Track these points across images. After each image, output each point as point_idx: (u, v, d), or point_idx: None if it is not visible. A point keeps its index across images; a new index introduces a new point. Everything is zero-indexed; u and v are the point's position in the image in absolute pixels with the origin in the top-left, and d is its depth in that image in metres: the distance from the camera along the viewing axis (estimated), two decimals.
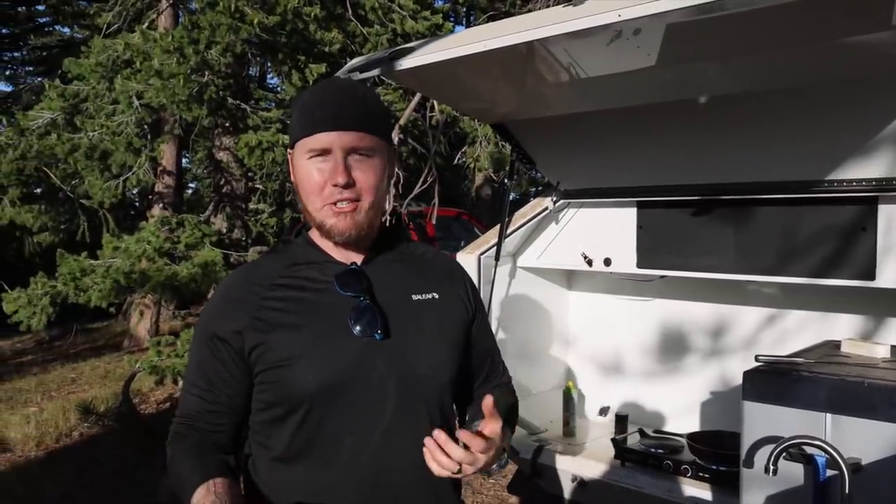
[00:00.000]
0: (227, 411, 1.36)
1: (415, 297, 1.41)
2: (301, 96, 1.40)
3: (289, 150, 1.39)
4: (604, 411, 3.52)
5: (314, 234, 1.41)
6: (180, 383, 6.45)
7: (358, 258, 1.39)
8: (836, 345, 2.23)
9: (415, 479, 1.35)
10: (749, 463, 1.91)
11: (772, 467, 1.60)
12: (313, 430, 1.30)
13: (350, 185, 1.30)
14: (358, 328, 1.31)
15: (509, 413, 1.54)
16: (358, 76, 2.35)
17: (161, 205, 9.25)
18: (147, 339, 9.37)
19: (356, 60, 2.51)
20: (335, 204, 1.31)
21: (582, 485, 2.99)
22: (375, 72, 2.35)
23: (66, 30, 14.86)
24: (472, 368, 1.54)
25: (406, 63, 2.28)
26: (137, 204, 13.18)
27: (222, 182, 8.01)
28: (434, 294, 1.44)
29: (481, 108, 3.12)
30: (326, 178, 1.30)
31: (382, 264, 1.40)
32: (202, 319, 1.40)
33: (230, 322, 1.32)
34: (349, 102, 1.32)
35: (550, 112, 2.87)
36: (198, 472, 1.26)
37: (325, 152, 1.30)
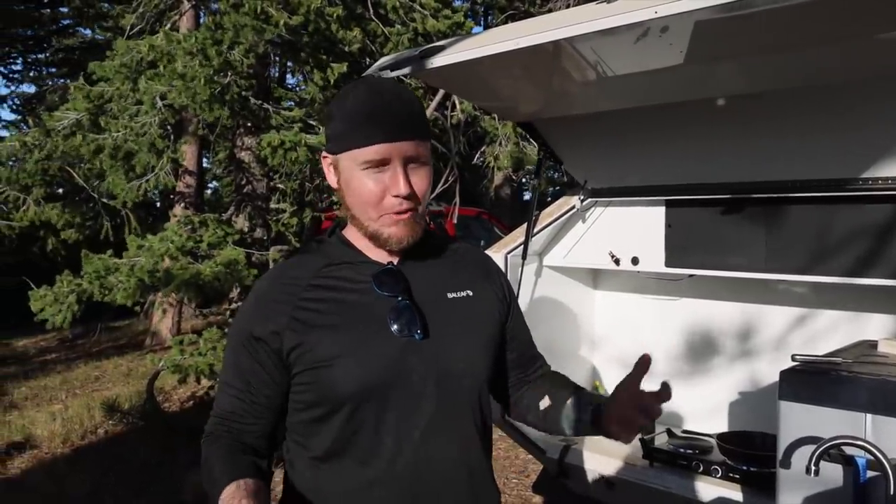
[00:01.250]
0: (264, 412, 1.36)
1: (450, 296, 1.41)
2: (342, 101, 1.34)
3: (325, 154, 1.37)
4: None
5: (349, 234, 1.41)
6: (203, 382, 6.51)
7: (394, 258, 1.39)
8: (872, 344, 2.20)
9: (454, 476, 1.36)
10: (786, 463, 1.89)
11: (813, 468, 1.58)
12: (354, 429, 1.31)
13: (412, 194, 1.29)
14: (398, 328, 1.31)
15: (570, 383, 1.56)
16: (389, 74, 2.35)
17: (182, 204, 9.34)
18: (169, 337, 9.46)
19: (386, 59, 2.51)
20: (393, 214, 1.30)
21: (609, 485, 2.97)
22: (406, 70, 2.35)
23: (88, 32, 15.04)
24: (509, 363, 1.55)
25: (437, 62, 2.28)
26: (158, 204, 13.30)
27: (244, 182, 8.06)
28: (469, 291, 1.44)
29: (509, 107, 3.11)
30: (385, 189, 1.29)
31: (418, 263, 1.40)
32: (238, 320, 1.40)
33: (268, 323, 1.32)
34: (401, 109, 1.30)
35: (578, 110, 2.86)
36: (228, 473, 1.26)
37: (383, 163, 1.28)
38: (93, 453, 5.55)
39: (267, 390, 1.35)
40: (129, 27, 8.06)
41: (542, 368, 1.63)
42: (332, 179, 1.36)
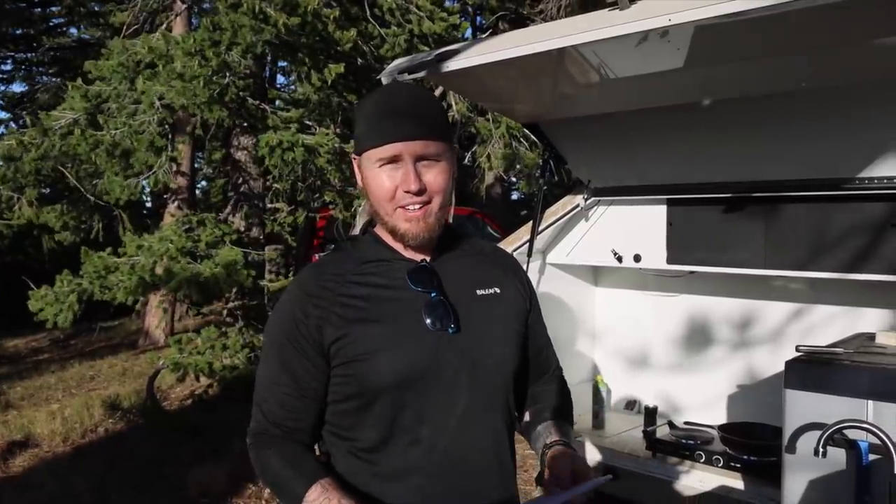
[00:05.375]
0: (312, 406, 1.42)
1: (479, 292, 1.48)
2: (363, 104, 1.43)
3: (354, 156, 1.45)
4: (631, 405, 3.60)
5: (381, 232, 1.47)
6: (202, 380, 6.56)
7: (426, 255, 1.46)
8: (870, 336, 2.30)
9: (486, 464, 1.44)
10: (791, 449, 1.98)
11: (821, 450, 1.68)
12: (391, 421, 1.36)
13: (422, 191, 1.36)
14: (432, 322, 1.38)
15: (566, 411, 1.65)
16: (405, 78, 2.42)
17: (176, 203, 9.34)
18: (162, 337, 9.48)
19: (401, 61, 2.58)
20: (405, 208, 1.37)
21: (614, 475, 3.06)
22: (422, 73, 2.42)
23: (75, 30, 14.98)
24: (528, 359, 1.62)
25: (452, 65, 2.35)
26: (149, 204, 13.28)
27: (240, 181, 8.09)
28: (496, 289, 1.51)
29: (516, 109, 3.19)
30: (397, 185, 1.36)
31: (449, 261, 1.47)
32: (277, 318, 1.44)
33: (310, 318, 1.37)
34: (413, 110, 1.37)
35: (583, 112, 2.94)
36: (303, 474, 1.35)
37: (394, 160, 1.36)
38: (94, 451, 5.57)
39: (315, 383, 1.40)
40: (123, 26, 8.05)
41: (554, 372, 1.70)
42: (359, 179, 1.44)
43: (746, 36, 2.13)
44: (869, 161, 2.50)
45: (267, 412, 1.43)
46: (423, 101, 1.41)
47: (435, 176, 1.38)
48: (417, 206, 1.37)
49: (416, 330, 1.37)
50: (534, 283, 3.35)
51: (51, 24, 15.15)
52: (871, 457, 1.80)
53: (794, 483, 2.00)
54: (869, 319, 2.83)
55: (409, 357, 1.36)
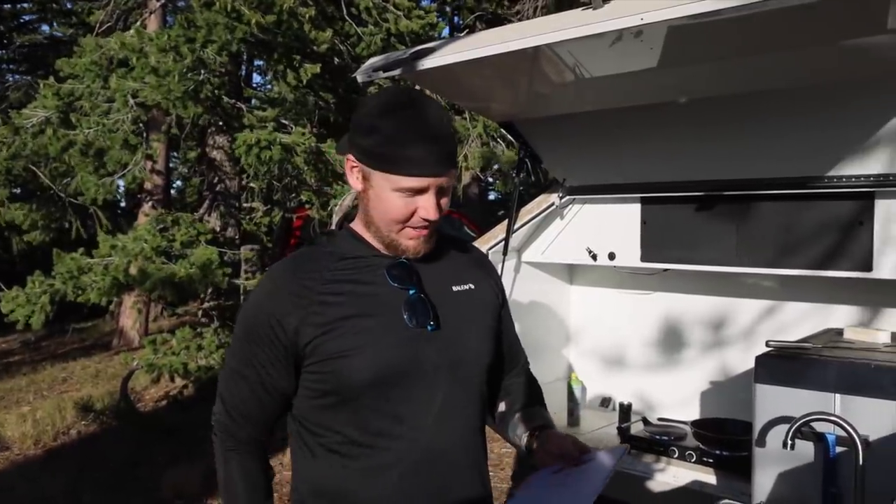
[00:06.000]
0: (279, 400, 1.43)
1: (455, 289, 1.50)
2: (386, 117, 1.34)
3: (353, 161, 1.39)
4: (606, 402, 3.63)
5: (358, 228, 1.46)
6: (177, 381, 6.50)
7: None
8: (838, 332, 2.35)
9: (464, 459, 1.46)
10: (761, 442, 2.01)
11: (790, 442, 1.71)
12: (370, 417, 1.37)
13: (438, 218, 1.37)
14: (412, 320, 1.38)
15: (541, 400, 1.69)
16: (380, 76, 2.43)
17: (151, 203, 9.25)
18: (136, 338, 9.38)
19: (376, 59, 2.58)
20: (414, 229, 1.38)
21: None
22: (397, 72, 2.42)
23: (47, 28, 14.78)
24: (501, 354, 1.64)
25: (427, 63, 2.36)
26: (123, 204, 13.14)
27: (216, 180, 8.03)
28: (471, 285, 1.53)
29: (491, 107, 3.20)
30: (414, 211, 1.35)
31: (425, 258, 1.46)
32: (251, 313, 1.43)
33: (285, 315, 1.36)
34: (445, 141, 1.35)
35: (558, 111, 2.97)
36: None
37: (420, 192, 1.34)
38: (66, 454, 5.51)
39: (280, 381, 1.41)
40: (97, 24, 7.96)
41: (523, 366, 1.73)
42: (354, 182, 1.41)
43: (718, 36, 2.16)
44: (838, 160, 2.54)
45: (229, 403, 1.46)
46: (449, 126, 1.39)
47: (445, 202, 1.39)
48: (424, 229, 1.39)
49: (395, 327, 1.38)
50: (509, 282, 3.41)
51: (21, 20, 14.94)
52: (838, 449, 1.84)
53: (764, 476, 2.03)
54: (838, 315, 2.88)
55: (388, 354, 1.37)
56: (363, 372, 1.35)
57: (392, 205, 1.35)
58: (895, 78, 2.29)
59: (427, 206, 1.35)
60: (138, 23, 7.85)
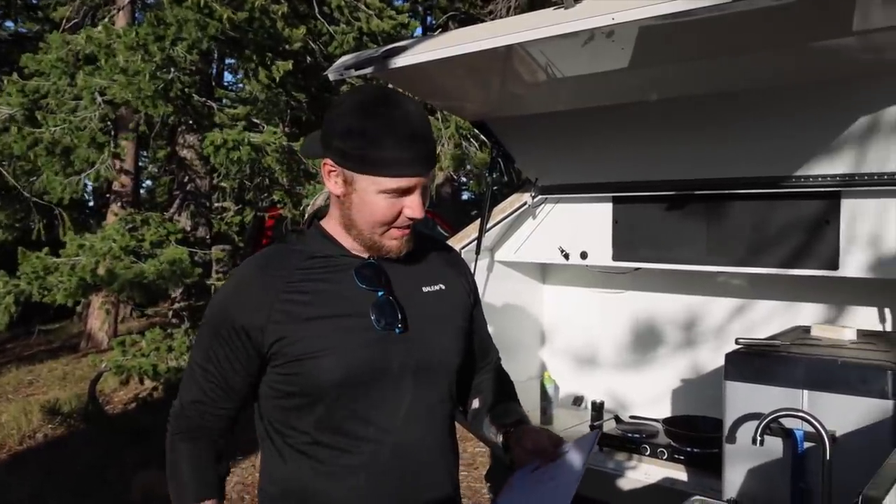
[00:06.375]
0: (234, 398, 1.42)
1: (425, 289, 1.49)
2: (366, 118, 1.31)
3: (330, 164, 1.36)
4: (578, 401, 3.64)
5: (329, 226, 1.44)
6: (147, 382, 6.42)
7: (373, 252, 1.44)
8: (806, 329, 2.38)
9: (432, 459, 1.45)
10: (731, 439, 2.04)
11: (759, 438, 1.73)
12: (338, 419, 1.36)
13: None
14: (380, 322, 1.37)
15: (514, 395, 1.69)
16: (352, 74, 2.41)
17: (119, 203, 9.12)
18: (105, 339, 9.24)
19: (348, 58, 2.57)
20: (398, 229, 1.37)
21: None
22: (369, 70, 2.41)
23: (11, 24, 14.47)
24: (472, 351, 1.64)
25: (399, 62, 2.34)
26: (92, 203, 12.94)
27: (186, 180, 7.94)
28: (441, 285, 1.52)
29: (463, 106, 3.20)
30: (399, 211, 1.35)
31: (395, 258, 1.44)
32: (217, 309, 1.42)
33: (251, 314, 1.34)
34: (427, 140, 1.35)
35: (530, 110, 2.97)
36: (196, 488, 1.46)
37: (407, 191, 1.34)
38: (32, 458, 5.41)
39: (239, 378, 1.40)
40: (63, 21, 7.83)
41: (494, 362, 1.73)
42: (333, 187, 1.37)
43: (688, 37, 2.18)
44: (805, 160, 2.58)
45: (190, 397, 1.44)
46: (426, 123, 1.38)
47: (427, 199, 1.39)
48: (408, 228, 1.38)
49: (362, 329, 1.37)
50: (482, 281, 3.41)
51: None
52: (806, 444, 1.87)
53: (734, 472, 2.05)
54: (805, 313, 2.92)
55: (355, 356, 1.36)
56: (330, 373, 1.33)
57: (378, 207, 1.34)
58: (861, 79, 2.34)
59: (413, 206, 1.34)
60: (106, 19, 7.72)
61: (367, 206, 1.34)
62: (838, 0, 1.93)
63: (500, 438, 1.54)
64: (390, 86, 2.69)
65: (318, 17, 7.09)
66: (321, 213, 1.49)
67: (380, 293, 1.39)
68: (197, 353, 1.44)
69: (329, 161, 1.36)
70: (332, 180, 1.37)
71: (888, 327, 2.75)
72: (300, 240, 1.46)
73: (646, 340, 3.44)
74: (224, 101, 7.73)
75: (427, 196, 1.38)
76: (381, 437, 1.38)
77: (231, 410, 1.44)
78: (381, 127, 1.30)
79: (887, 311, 2.76)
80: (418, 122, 1.34)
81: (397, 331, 1.38)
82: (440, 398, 1.47)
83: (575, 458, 1.39)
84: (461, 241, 3.30)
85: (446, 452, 1.50)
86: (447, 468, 1.50)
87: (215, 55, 7.34)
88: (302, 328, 1.34)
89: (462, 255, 3.17)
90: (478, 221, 3.31)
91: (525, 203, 3.35)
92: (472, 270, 3.24)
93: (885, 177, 2.43)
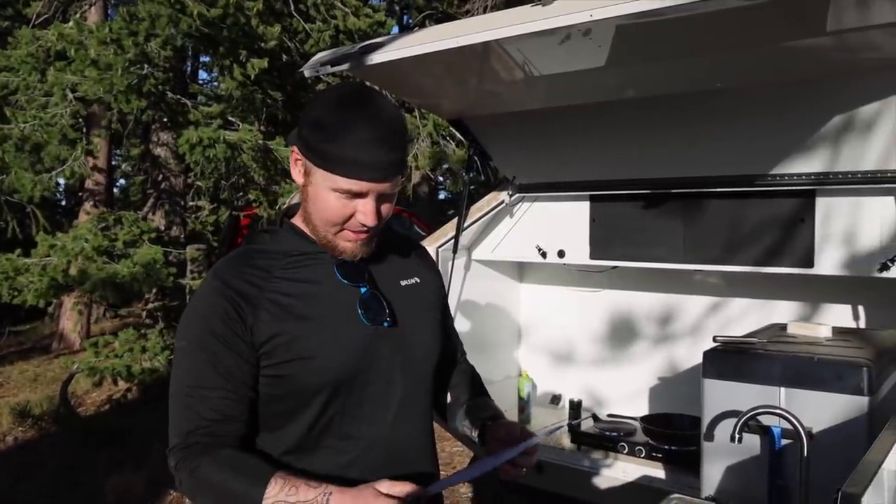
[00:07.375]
0: (249, 404, 1.33)
1: (402, 283, 1.46)
2: (338, 115, 1.28)
3: (296, 152, 1.33)
4: (556, 399, 3.64)
5: (301, 224, 1.40)
6: (120, 384, 6.33)
7: None
8: (782, 327, 2.39)
9: (420, 453, 1.45)
10: (709, 437, 2.04)
11: (737, 435, 1.73)
12: (329, 418, 1.33)
13: (376, 224, 1.31)
14: (368, 317, 1.34)
15: (484, 390, 1.68)
16: (328, 70, 2.38)
17: (92, 202, 8.99)
18: (78, 340, 9.09)
19: (324, 54, 2.54)
20: (351, 232, 1.32)
21: (539, 469, 3.09)
22: (345, 66, 2.38)
23: None
24: (448, 348, 1.63)
25: (376, 59, 2.32)
26: (64, 203, 12.75)
27: (160, 178, 7.84)
28: (416, 279, 1.50)
29: (440, 104, 3.18)
30: (352, 213, 1.30)
31: (372, 254, 1.40)
32: (200, 315, 1.33)
33: (239, 314, 1.29)
34: (394, 148, 1.28)
35: (507, 108, 2.96)
36: (251, 475, 1.23)
37: (358, 196, 1.29)
38: (2, 461, 5.29)
39: (250, 381, 1.31)
40: (34, 16, 7.69)
41: (462, 357, 1.71)
42: (297, 176, 1.35)
43: (665, 35, 2.18)
44: (780, 159, 2.60)
45: (198, 425, 1.29)
46: (399, 130, 1.31)
47: (387, 209, 1.33)
48: (363, 233, 1.33)
49: (350, 326, 1.34)
50: (459, 280, 3.39)
51: None
52: (784, 441, 1.87)
53: (712, 470, 2.06)
54: (781, 311, 2.95)
55: (346, 355, 1.33)
56: (322, 374, 1.31)
57: (329, 204, 1.30)
58: (834, 79, 2.35)
59: (365, 212, 1.29)
60: (78, 15, 7.59)
61: (319, 201, 1.31)
62: (810, 0, 1.94)
63: (475, 433, 1.52)
64: (367, 83, 2.67)
65: (294, 14, 7.02)
66: (292, 210, 1.46)
67: (363, 289, 1.37)
68: (188, 374, 1.32)
69: (296, 149, 1.34)
70: (297, 169, 1.35)
71: (862, 324, 2.78)
72: (273, 239, 1.42)
73: (623, 339, 3.45)
74: (199, 98, 7.63)
75: (388, 203, 1.33)
76: (373, 434, 1.36)
77: (247, 422, 1.33)
78: (345, 125, 1.26)
79: (861, 308, 2.80)
80: (388, 128, 1.28)
81: (386, 325, 1.36)
82: (425, 390, 1.47)
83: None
84: (438, 240, 3.28)
85: (431, 448, 1.49)
86: (433, 463, 1.49)
87: (189, 52, 7.24)
88: (289, 329, 1.30)
89: (439, 254, 3.22)
90: (455, 220, 3.30)
91: (502, 202, 3.34)
92: (450, 269, 3.27)
93: (859, 175, 2.46)
